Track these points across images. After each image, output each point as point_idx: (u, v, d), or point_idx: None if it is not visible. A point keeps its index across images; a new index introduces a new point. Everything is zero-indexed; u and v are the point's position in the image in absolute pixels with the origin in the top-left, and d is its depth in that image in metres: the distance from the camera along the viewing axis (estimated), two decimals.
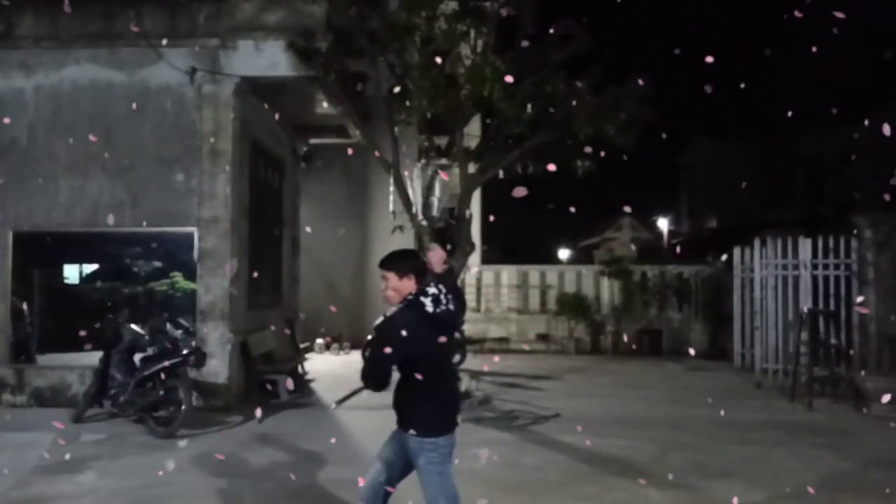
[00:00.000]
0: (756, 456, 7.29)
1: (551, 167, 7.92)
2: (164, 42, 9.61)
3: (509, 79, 8.56)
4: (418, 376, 3.73)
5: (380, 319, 3.81)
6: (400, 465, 3.95)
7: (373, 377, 3.73)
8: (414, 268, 3.91)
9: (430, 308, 3.77)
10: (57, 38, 10.09)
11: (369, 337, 3.81)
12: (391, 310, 3.87)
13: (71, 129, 10.03)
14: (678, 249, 19.91)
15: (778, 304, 12.64)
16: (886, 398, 7.82)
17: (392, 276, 3.90)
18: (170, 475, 6.26)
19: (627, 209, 36.19)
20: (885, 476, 6.57)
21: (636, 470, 6.76)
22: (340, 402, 9.83)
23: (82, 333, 8.85)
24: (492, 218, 18.82)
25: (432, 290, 3.84)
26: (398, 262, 3.94)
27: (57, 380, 9.91)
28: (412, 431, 3.79)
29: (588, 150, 9.45)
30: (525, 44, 9.73)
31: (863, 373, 10.78)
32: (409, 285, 3.86)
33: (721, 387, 12.13)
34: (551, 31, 9.81)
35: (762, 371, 12.64)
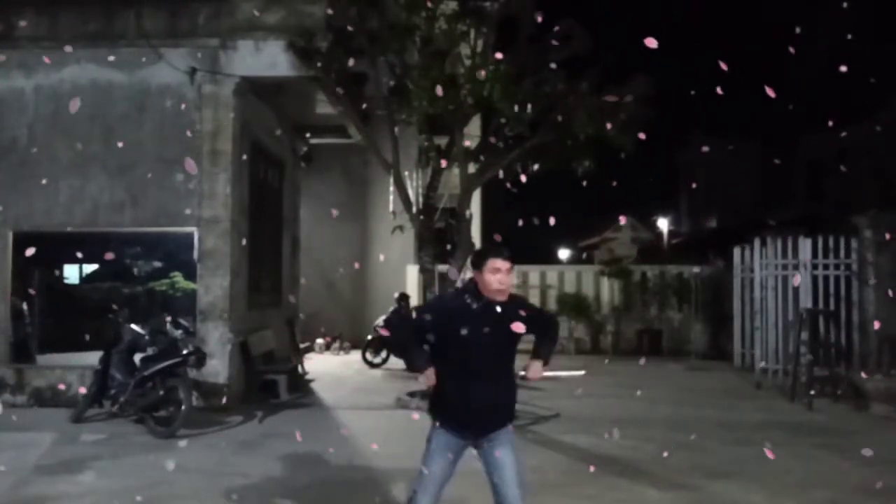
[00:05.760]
0: (756, 456, 7.28)
1: (551, 166, 7.90)
2: (164, 42, 9.62)
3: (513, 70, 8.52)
4: (439, 357, 3.76)
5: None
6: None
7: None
8: None
9: (474, 304, 3.73)
10: (57, 38, 10.08)
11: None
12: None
13: (71, 129, 10.03)
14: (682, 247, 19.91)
15: (778, 304, 12.64)
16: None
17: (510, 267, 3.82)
18: (170, 475, 6.25)
19: (622, 218, 36.30)
20: (886, 476, 6.57)
21: (636, 470, 6.76)
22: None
23: (85, 334, 8.84)
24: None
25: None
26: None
27: (57, 380, 9.91)
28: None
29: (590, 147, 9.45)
30: (525, 44, 9.72)
31: (863, 373, 10.78)
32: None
33: (721, 387, 12.13)
34: (551, 31, 9.80)
35: (762, 371, 12.65)
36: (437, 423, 3.82)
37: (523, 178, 8.65)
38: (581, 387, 11.17)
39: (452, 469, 3.80)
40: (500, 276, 3.71)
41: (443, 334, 3.73)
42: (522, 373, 3.89)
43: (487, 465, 3.80)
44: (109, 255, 8.83)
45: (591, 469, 6.69)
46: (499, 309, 3.70)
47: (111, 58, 10.05)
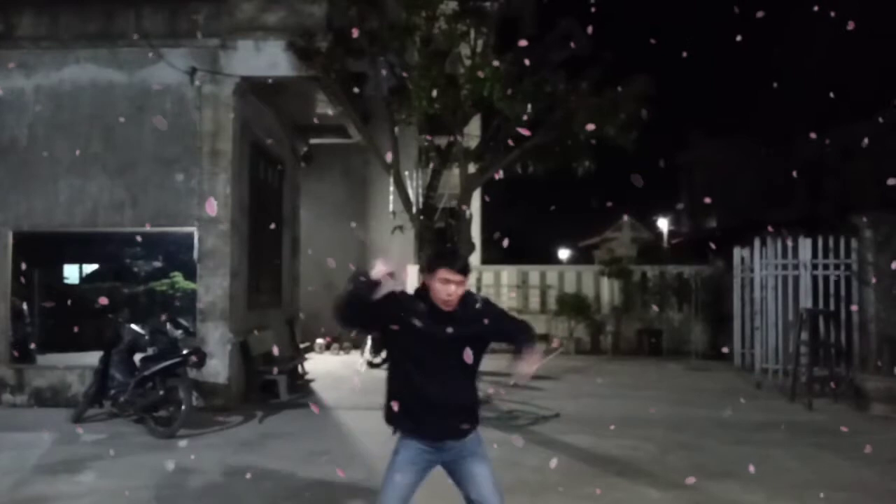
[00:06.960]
0: (756, 456, 7.28)
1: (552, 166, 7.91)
2: (164, 42, 9.61)
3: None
4: (393, 361, 3.70)
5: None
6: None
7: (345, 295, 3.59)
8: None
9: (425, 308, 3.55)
10: (57, 38, 10.09)
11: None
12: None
13: (71, 129, 10.03)
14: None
15: (778, 304, 12.64)
16: None
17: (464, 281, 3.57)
18: (170, 475, 6.25)
19: (626, 216, 36.22)
20: (886, 476, 6.57)
21: (636, 470, 6.76)
22: None
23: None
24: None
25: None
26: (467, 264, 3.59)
27: (57, 380, 9.92)
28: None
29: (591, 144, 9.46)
30: (525, 44, 9.74)
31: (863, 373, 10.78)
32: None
33: (721, 387, 12.12)
34: (551, 31, 9.81)
35: (762, 371, 12.64)
36: (402, 434, 3.68)
37: (523, 179, 8.67)
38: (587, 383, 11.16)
39: (416, 485, 3.63)
40: (450, 288, 3.50)
41: (396, 329, 3.57)
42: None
43: (460, 481, 3.63)
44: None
45: (591, 469, 6.70)
46: (449, 316, 3.53)
47: (111, 58, 10.07)
